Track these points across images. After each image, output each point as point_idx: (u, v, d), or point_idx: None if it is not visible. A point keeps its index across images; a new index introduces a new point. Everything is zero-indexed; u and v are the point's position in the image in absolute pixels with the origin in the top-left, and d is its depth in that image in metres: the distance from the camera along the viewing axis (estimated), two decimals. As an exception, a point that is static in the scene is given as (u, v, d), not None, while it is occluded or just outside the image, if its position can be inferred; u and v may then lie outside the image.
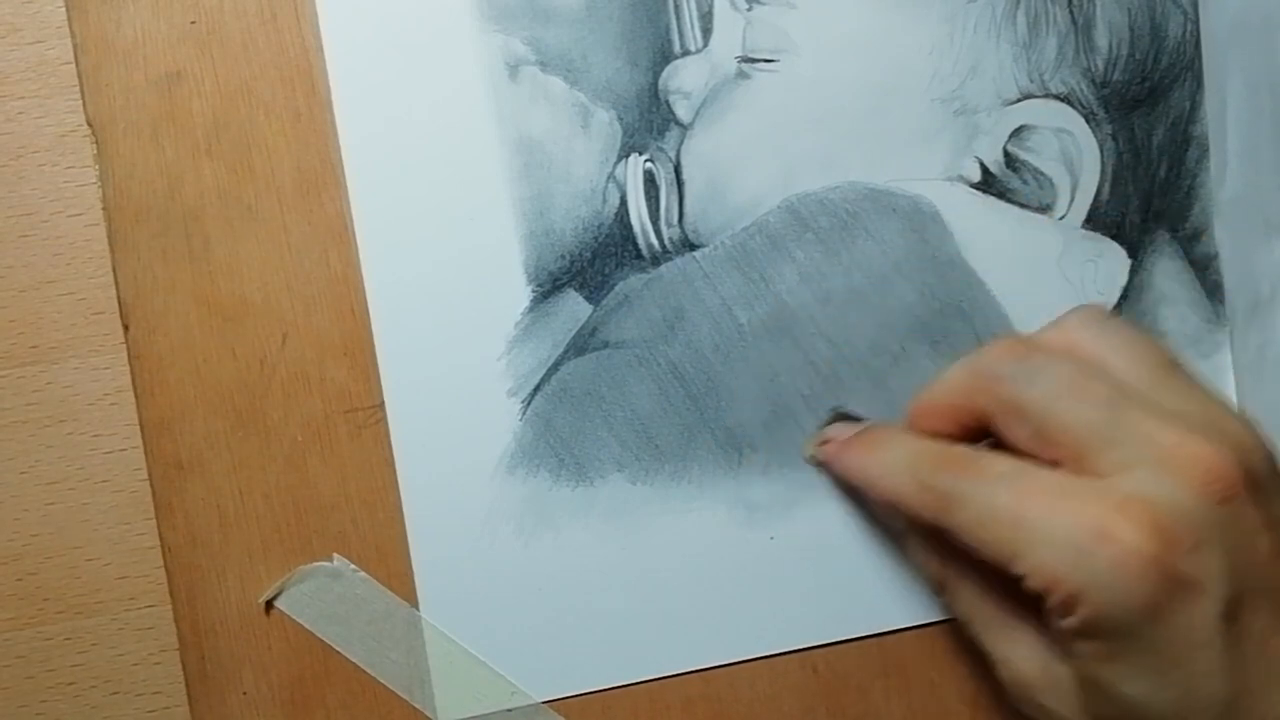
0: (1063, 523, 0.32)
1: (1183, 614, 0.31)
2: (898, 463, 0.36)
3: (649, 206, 0.40)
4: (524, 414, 0.40)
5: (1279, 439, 0.39)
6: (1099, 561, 0.31)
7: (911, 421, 0.37)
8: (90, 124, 0.39)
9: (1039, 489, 0.33)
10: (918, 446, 0.36)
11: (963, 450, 0.35)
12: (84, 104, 0.39)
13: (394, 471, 0.40)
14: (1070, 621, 0.32)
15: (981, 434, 0.36)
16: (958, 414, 0.36)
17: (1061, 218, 0.41)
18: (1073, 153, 0.41)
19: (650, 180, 0.40)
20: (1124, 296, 0.41)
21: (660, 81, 0.40)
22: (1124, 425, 0.33)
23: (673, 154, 0.40)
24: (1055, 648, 0.34)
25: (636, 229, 0.40)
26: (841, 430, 0.39)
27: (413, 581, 0.40)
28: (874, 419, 0.40)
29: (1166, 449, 0.32)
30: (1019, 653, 0.36)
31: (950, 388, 0.36)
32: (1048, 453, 0.34)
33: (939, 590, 0.38)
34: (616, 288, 0.40)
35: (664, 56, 0.40)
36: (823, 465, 0.40)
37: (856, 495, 0.40)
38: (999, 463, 0.34)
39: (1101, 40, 0.41)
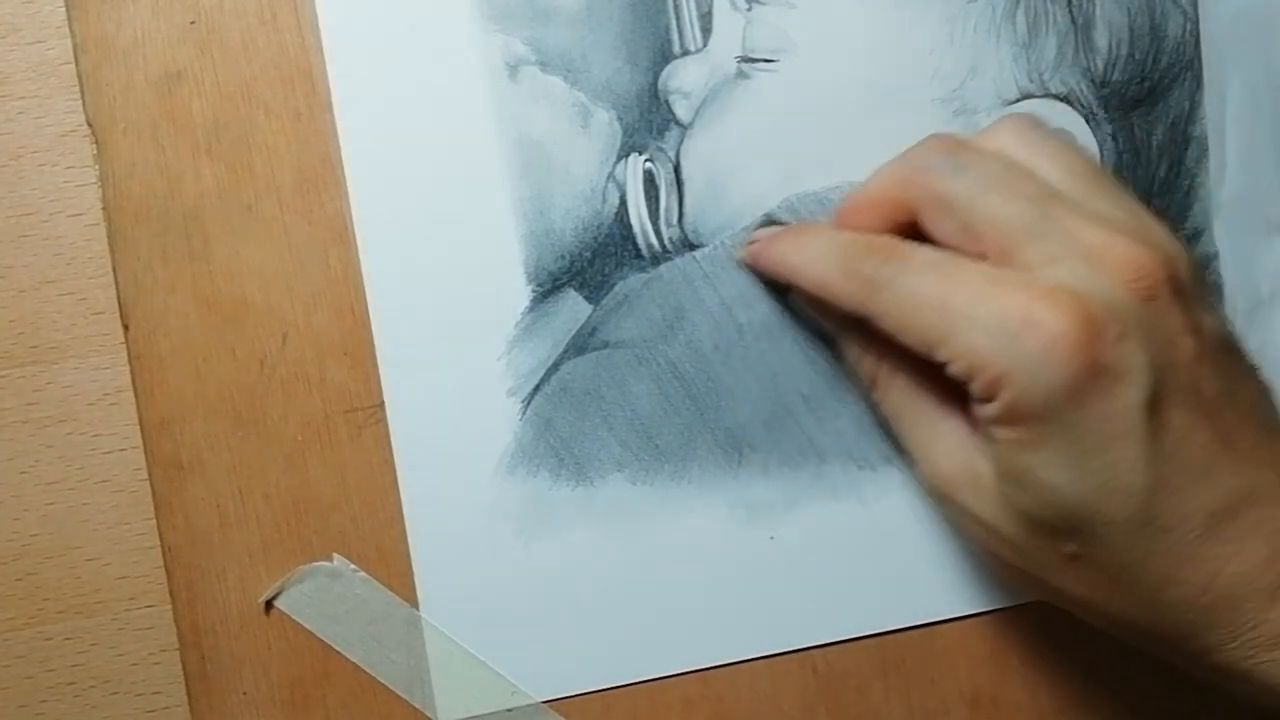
0: (989, 308, 0.32)
1: (1105, 401, 0.32)
2: (823, 251, 0.36)
3: (649, 206, 0.40)
4: (524, 414, 0.40)
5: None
6: (1025, 345, 0.32)
7: (840, 217, 0.37)
8: (90, 124, 0.39)
9: (966, 276, 0.33)
10: (844, 237, 0.36)
11: (888, 239, 0.35)
12: (84, 104, 0.39)
13: (394, 471, 0.40)
14: (993, 407, 0.33)
15: (911, 229, 0.36)
16: (887, 209, 0.36)
17: (1061, 217, 0.41)
18: (1072, 152, 0.41)
19: (650, 180, 0.40)
20: (1124, 296, 0.41)
21: (660, 81, 0.40)
22: (1051, 221, 0.33)
23: (672, 154, 0.40)
24: (977, 443, 0.35)
25: (636, 229, 0.40)
26: (770, 231, 0.39)
27: (413, 581, 0.40)
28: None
29: (1093, 246, 0.33)
30: (941, 449, 0.36)
31: (880, 181, 0.36)
32: (974, 246, 0.34)
33: (870, 387, 0.38)
34: (616, 288, 0.40)
35: (664, 56, 0.40)
36: (751, 266, 0.40)
37: (783, 292, 0.39)
38: (925, 251, 0.34)
39: (1101, 40, 0.41)
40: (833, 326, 0.39)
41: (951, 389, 0.35)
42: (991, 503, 0.35)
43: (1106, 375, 0.32)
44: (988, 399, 0.33)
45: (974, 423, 0.35)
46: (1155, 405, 0.32)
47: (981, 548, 0.37)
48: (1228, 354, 0.34)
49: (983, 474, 0.35)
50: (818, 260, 0.36)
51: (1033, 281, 0.32)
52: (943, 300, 0.33)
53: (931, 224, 0.35)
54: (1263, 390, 0.35)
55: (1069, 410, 0.32)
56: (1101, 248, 0.33)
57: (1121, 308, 0.32)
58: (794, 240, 0.38)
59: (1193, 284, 0.34)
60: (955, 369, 0.33)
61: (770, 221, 0.40)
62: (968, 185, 0.34)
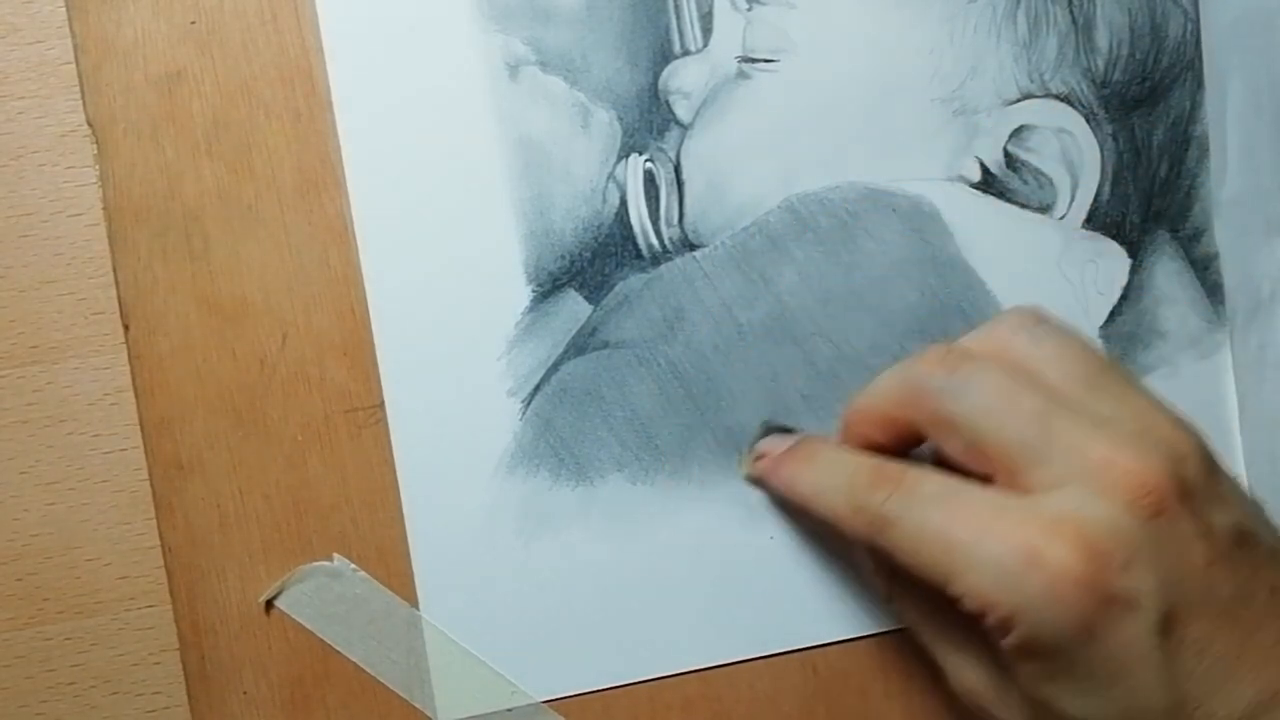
0: (993, 546, 0.32)
1: (1117, 632, 0.31)
2: (831, 481, 0.36)
3: (649, 206, 0.40)
4: (524, 414, 0.40)
5: (1279, 437, 0.39)
6: (1030, 584, 0.31)
7: (845, 430, 0.37)
8: (90, 124, 0.39)
9: (969, 510, 0.33)
10: (851, 465, 0.36)
11: (894, 469, 0.35)
12: (84, 104, 0.39)
13: (394, 471, 0.40)
14: (1008, 641, 0.32)
15: (918, 439, 0.35)
16: (890, 424, 0.36)
17: (1061, 218, 0.41)
18: (1073, 153, 0.41)
19: (650, 180, 0.40)
20: (1124, 296, 0.41)
21: (660, 81, 0.40)
22: (1053, 439, 0.32)
23: (673, 154, 0.40)
24: (1002, 661, 0.34)
25: (636, 229, 0.40)
26: (775, 444, 0.39)
27: (413, 581, 0.40)
28: (805, 430, 0.40)
29: (1096, 463, 0.32)
30: (967, 666, 0.35)
31: (881, 398, 0.36)
32: (980, 466, 0.34)
33: (887, 603, 0.38)
34: (616, 288, 0.40)
35: (664, 56, 0.40)
36: (758, 482, 0.40)
37: (799, 512, 0.39)
38: (929, 483, 0.34)
39: (1102, 40, 0.41)
40: (846, 540, 0.38)
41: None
42: (1019, 715, 0.34)
43: (1116, 604, 0.31)
44: (1002, 635, 0.32)
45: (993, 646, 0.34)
46: (1169, 624, 0.31)
47: None
48: (1243, 547, 0.33)
49: (1011, 689, 0.34)
50: (825, 492, 0.36)
51: (1035, 513, 0.32)
52: (948, 538, 0.32)
53: (938, 442, 0.35)
54: None
55: (1082, 645, 0.31)
56: (1104, 465, 0.32)
57: (1127, 531, 0.31)
58: (801, 465, 0.38)
59: (1202, 480, 0.33)
60: (966, 606, 0.32)
61: (772, 428, 0.40)
62: (968, 407, 0.33)
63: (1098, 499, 0.32)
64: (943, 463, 0.35)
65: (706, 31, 0.40)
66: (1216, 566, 0.32)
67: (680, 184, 0.40)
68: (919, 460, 0.35)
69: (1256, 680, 0.32)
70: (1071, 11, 0.41)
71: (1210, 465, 0.33)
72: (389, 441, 0.40)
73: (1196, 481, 0.32)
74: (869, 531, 0.35)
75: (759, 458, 0.39)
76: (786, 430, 0.40)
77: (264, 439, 0.39)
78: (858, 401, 0.37)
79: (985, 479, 0.34)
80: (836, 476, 0.36)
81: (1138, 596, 0.31)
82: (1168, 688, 0.31)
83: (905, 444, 0.36)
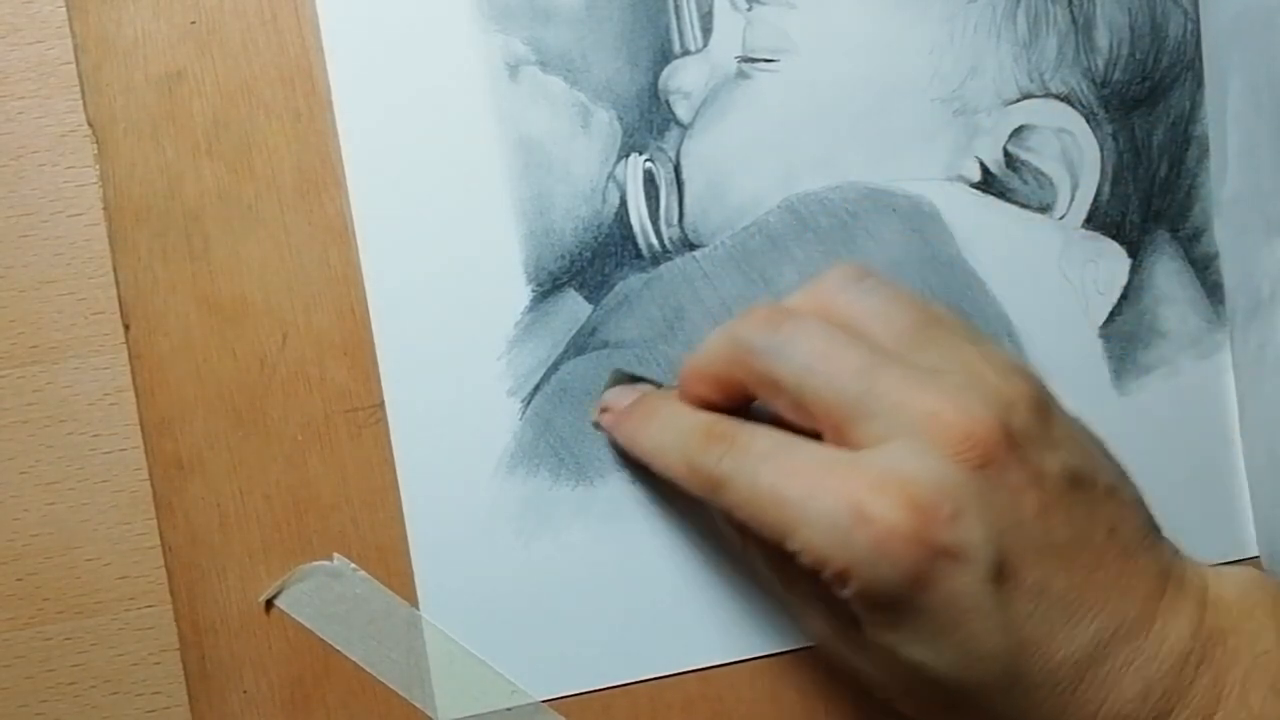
0: (821, 503, 0.32)
1: (948, 582, 0.31)
2: (668, 441, 0.36)
3: (649, 206, 0.40)
4: (524, 414, 0.40)
5: (1279, 437, 0.39)
6: (859, 541, 0.31)
7: (683, 387, 0.37)
8: (90, 124, 0.39)
9: (798, 467, 0.33)
10: (687, 423, 0.36)
11: (727, 426, 0.35)
12: (84, 104, 0.39)
13: (394, 471, 0.40)
14: (846, 594, 0.32)
15: (751, 395, 0.35)
16: (722, 383, 0.36)
17: (1061, 218, 0.41)
18: (1073, 153, 0.41)
19: (650, 180, 0.40)
20: (1124, 296, 0.41)
21: (660, 81, 0.40)
22: (877, 394, 0.32)
23: (673, 154, 0.40)
24: (849, 611, 0.34)
25: (636, 229, 0.40)
26: (620, 396, 0.39)
27: (413, 581, 0.40)
28: (654, 378, 0.40)
29: (920, 417, 0.32)
30: (817, 617, 0.36)
31: (710, 358, 0.36)
32: (809, 423, 0.34)
33: (740, 553, 0.38)
34: (616, 287, 0.40)
35: (664, 56, 0.40)
36: (604, 432, 0.40)
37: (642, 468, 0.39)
38: (760, 440, 0.34)
39: (1102, 40, 0.41)
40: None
41: None
42: (869, 661, 0.35)
43: (945, 557, 0.31)
44: (840, 587, 0.32)
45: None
46: (1003, 572, 0.31)
47: (877, 695, 0.36)
48: (1078, 489, 0.33)
49: (857, 635, 0.34)
50: (663, 451, 0.36)
51: (862, 469, 0.32)
52: (779, 495, 0.33)
53: (766, 402, 0.35)
54: (1123, 508, 0.34)
55: (915, 595, 0.31)
56: (929, 418, 0.32)
57: (953, 484, 0.31)
58: (640, 423, 0.38)
59: (1032, 427, 0.33)
60: (803, 560, 0.33)
61: (621, 377, 0.40)
62: (792, 366, 0.33)
63: (923, 453, 0.32)
64: (779, 420, 0.35)
65: (706, 31, 0.40)
66: (1050, 511, 0.32)
67: (680, 184, 0.40)
68: (757, 416, 0.35)
69: (1095, 619, 0.32)
70: (1071, 11, 0.41)
71: (1041, 411, 0.33)
72: (389, 441, 0.40)
73: (1025, 429, 0.32)
74: (706, 490, 0.35)
75: (604, 410, 0.39)
76: (636, 379, 0.40)
77: (264, 439, 0.39)
78: (690, 361, 0.37)
79: (817, 436, 0.34)
80: (673, 435, 0.36)
81: (966, 548, 0.31)
82: (1005, 632, 0.32)
83: (739, 401, 0.36)
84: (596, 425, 0.40)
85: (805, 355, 0.33)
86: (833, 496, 0.32)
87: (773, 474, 0.33)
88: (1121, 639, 0.32)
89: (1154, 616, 0.32)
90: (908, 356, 0.34)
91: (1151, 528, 0.34)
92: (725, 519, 0.38)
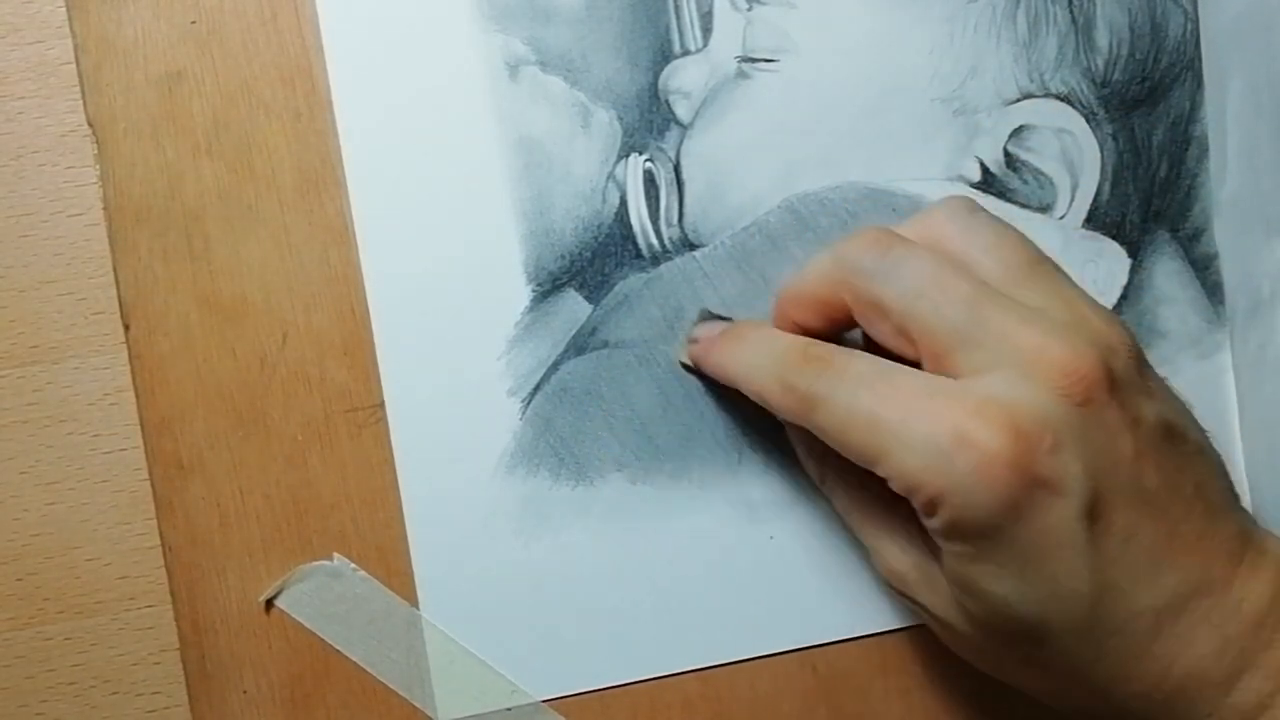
0: (921, 427, 0.32)
1: (1042, 514, 0.31)
2: (761, 362, 0.36)
3: (649, 206, 0.40)
4: (524, 414, 0.40)
5: (1279, 437, 0.39)
6: (958, 465, 0.31)
7: (778, 313, 0.37)
8: (90, 124, 0.39)
9: (898, 391, 0.33)
10: (781, 345, 0.36)
11: (824, 349, 0.35)
12: (84, 104, 0.39)
13: (394, 471, 0.40)
14: (935, 522, 0.32)
15: (851, 322, 0.35)
16: (822, 307, 0.36)
17: (1061, 218, 0.41)
18: (1073, 153, 0.41)
19: (650, 180, 0.40)
20: (1124, 296, 0.41)
21: (660, 81, 0.40)
22: (984, 325, 0.33)
23: (673, 154, 0.40)
24: (929, 542, 0.34)
25: (636, 229, 0.40)
26: (710, 329, 0.39)
27: (413, 581, 0.40)
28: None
29: (1026, 350, 0.32)
30: (894, 549, 0.36)
31: (814, 279, 0.36)
32: (909, 350, 0.34)
33: (819, 484, 0.39)
34: (616, 287, 0.40)
35: (664, 56, 0.40)
36: (692, 368, 0.40)
37: (735, 394, 0.39)
38: (858, 362, 0.34)
39: (1102, 40, 0.41)
40: (781, 421, 0.38)
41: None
42: (945, 600, 0.35)
43: (1043, 488, 0.31)
44: (929, 515, 0.33)
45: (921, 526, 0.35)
46: (1095, 511, 0.32)
47: (941, 637, 0.37)
48: (1170, 441, 0.33)
49: (935, 574, 0.35)
50: (755, 371, 0.36)
51: (965, 395, 0.32)
52: (876, 418, 0.33)
53: (867, 326, 0.35)
54: (1211, 468, 0.34)
55: (1008, 525, 0.31)
56: (1035, 352, 0.32)
57: (1055, 416, 0.32)
58: (732, 346, 0.38)
59: (1132, 373, 0.33)
60: (895, 486, 0.33)
61: (709, 315, 0.40)
62: (899, 290, 0.34)
63: (1027, 384, 0.32)
64: (876, 350, 0.35)
65: (706, 31, 0.40)
66: (1144, 458, 0.32)
67: (680, 184, 0.40)
68: (851, 346, 0.35)
69: (1178, 570, 0.32)
70: (1071, 11, 0.41)
71: (1140, 360, 0.34)
72: (389, 441, 0.40)
73: (1126, 374, 0.33)
74: (798, 411, 0.35)
75: (693, 341, 0.39)
76: (724, 319, 0.40)
77: (264, 439, 0.39)
78: (789, 284, 0.37)
79: (914, 365, 0.34)
80: (766, 356, 0.36)
81: (1064, 480, 0.31)
82: (1092, 573, 0.32)
83: (837, 328, 0.36)
84: (683, 363, 0.40)
85: (914, 280, 0.34)
86: (933, 420, 0.32)
87: (871, 396, 0.33)
88: (1202, 594, 0.32)
89: (1234, 577, 0.33)
90: (1014, 293, 0.34)
91: (1234, 494, 0.34)
92: (807, 450, 0.38)
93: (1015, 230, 0.35)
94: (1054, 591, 0.32)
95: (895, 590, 0.37)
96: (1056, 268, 0.35)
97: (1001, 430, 0.31)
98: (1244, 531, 0.33)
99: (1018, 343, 0.32)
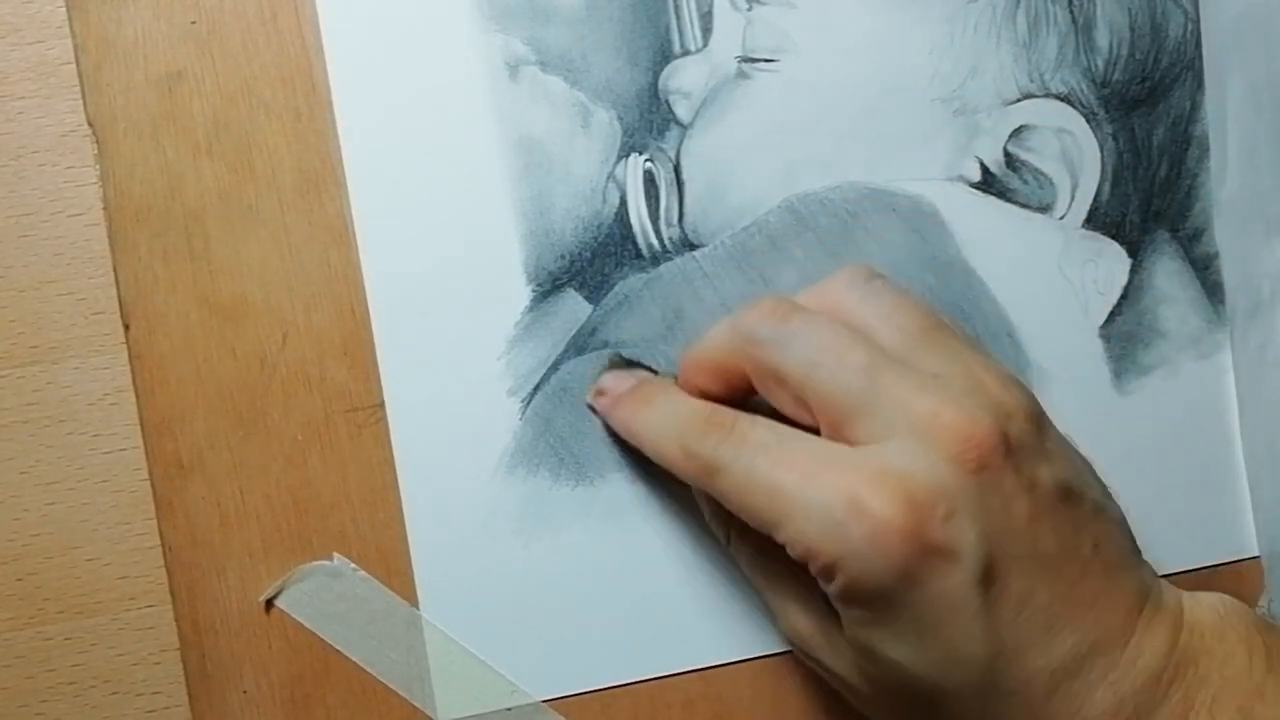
0: (816, 494, 0.32)
1: (937, 581, 0.31)
2: (664, 425, 0.36)
3: (649, 206, 0.40)
4: (524, 414, 0.40)
5: (1279, 437, 0.39)
6: (852, 532, 0.31)
7: (683, 377, 0.37)
8: (90, 124, 0.39)
9: (795, 458, 0.33)
10: (684, 408, 0.36)
11: (726, 415, 0.35)
12: (84, 104, 0.39)
13: (394, 471, 0.40)
14: (832, 588, 0.33)
15: (752, 389, 0.36)
16: (724, 373, 0.36)
17: (1061, 218, 0.41)
18: (1073, 153, 0.41)
19: (650, 180, 0.40)
20: (1124, 296, 0.41)
21: (660, 81, 0.40)
22: (879, 393, 0.33)
23: (673, 154, 0.40)
24: (829, 609, 0.34)
25: (636, 229, 0.40)
26: (617, 381, 0.39)
27: (413, 581, 0.40)
28: (652, 365, 0.40)
29: (921, 417, 0.32)
30: (797, 612, 0.36)
31: (713, 347, 0.36)
32: (808, 418, 0.34)
33: (725, 544, 0.39)
34: (616, 287, 0.40)
35: (664, 56, 0.40)
36: (599, 415, 0.40)
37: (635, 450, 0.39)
38: (759, 430, 0.34)
39: (1102, 40, 0.41)
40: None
41: None
42: (846, 663, 0.35)
43: (937, 555, 0.31)
44: (826, 581, 0.33)
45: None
46: (990, 576, 0.32)
47: (844, 697, 0.37)
48: (1068, 503, 0.33)
49: (837, 636, 0.35)
50: (658, 435, 0.36)
51: (860, 464, 0.32)
52: (774, 485, 0.33)
53: (767, 394, 0.35)
54: (1109, 526, 0.34)
55: (903, 592, 0.32)
56: (929, 419, 0.32)
57: (949, 484, 0.32)
58: (638, 407, 0.38)
59: (1029, 436, 0.33)
60: (792, 552, 0.33)
61: (619, 362, 0.40)
62: (796, 359, 0.34)
63: (922, 452, 0.32)
64: (778, 415, 0.35)
65: (706, 31, 0.40)
66: (1040, 521, 0.32)
67: (680, 184, 0.40)
68: (755, 409, 0.35)
69: (1075, 631, 0.32)
70: (1071, 11, 0.41)
71: (1038, 422, 0.34)
72: (389, 441, 0.40)
73: (1022, 438, 0.33)
74: (700, 476, 0.35)
75: (600, 393, 0.39)
76: (633, 364, 0.40)
77: (264, 439, 0.39)
78: (691, 350, 0.37)
79: (815, 432, 0.34)
80: (670, 421, 0.36)
81: (958, 547, 0.31)
82: (986, 637, 0.32)
83: (739, 393, 0.36)
84: (591, 408, 0.40)
85: (811, 349, 0.34)
86: (829, 488, 0.32)
87: (770, 463, 0.33)
88: (1098, 653, 0.32)
89: (1131, 633, 0.33)
90: (911, 359, 0.34)
91: (1133, 549, 0.35)
92: (713, 512, 0.38)
93: (912, 296, 0.36)
94: (949, 655, 0.32)
95: (799, 652, 0.37)
96: (955, 332, 0.35)
97: (895, 499, 0.31)
98: (1143, 588, 0.34)
99: (912, 410, 0.32)
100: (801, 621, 0.36)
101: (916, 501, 0.31)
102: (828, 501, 0.32)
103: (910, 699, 0.33)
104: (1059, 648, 0.32)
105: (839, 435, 0.33)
